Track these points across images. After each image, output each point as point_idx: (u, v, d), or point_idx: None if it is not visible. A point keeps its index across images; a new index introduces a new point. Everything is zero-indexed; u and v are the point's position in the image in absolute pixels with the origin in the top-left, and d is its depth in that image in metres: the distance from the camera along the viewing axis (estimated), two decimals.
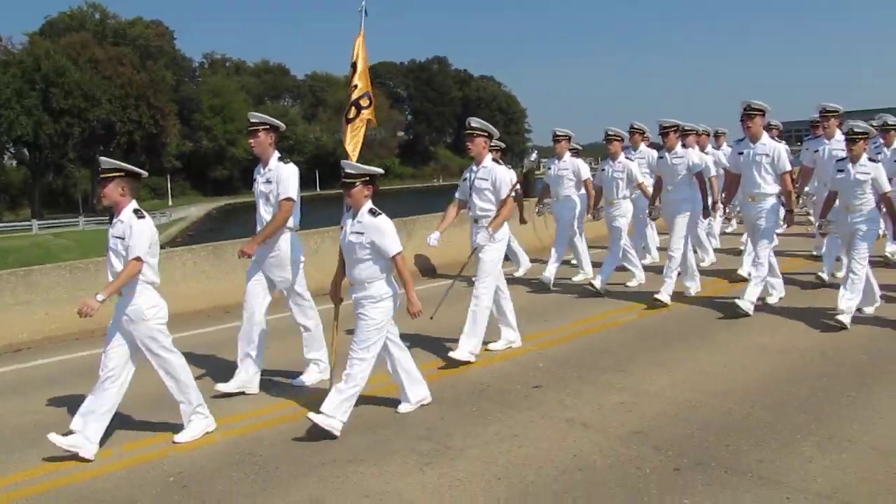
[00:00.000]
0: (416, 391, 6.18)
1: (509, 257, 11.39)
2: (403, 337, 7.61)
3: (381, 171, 6.04)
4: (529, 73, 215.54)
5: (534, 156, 9.90)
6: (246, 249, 6.58)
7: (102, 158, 5.80)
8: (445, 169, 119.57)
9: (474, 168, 7.65)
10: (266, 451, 5.52)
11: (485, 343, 7.52)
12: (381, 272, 5.77)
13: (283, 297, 7.06)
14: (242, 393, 6.68)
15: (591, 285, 10.08)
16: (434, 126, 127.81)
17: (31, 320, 9.07)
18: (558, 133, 11.07)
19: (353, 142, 7.10)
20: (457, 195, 7.89)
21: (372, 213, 5.74)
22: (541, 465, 4.99)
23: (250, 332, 6.73)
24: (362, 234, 5.70)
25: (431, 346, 7.92)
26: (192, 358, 7.16)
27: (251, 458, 5.39)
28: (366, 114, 7.23)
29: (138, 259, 5.44)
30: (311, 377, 6.97)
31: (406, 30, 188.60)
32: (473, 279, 7.57)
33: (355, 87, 7.24)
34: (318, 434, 5.56)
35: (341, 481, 4.94)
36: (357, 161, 6.49)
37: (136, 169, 5.78)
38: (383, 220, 5.73)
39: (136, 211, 5.62)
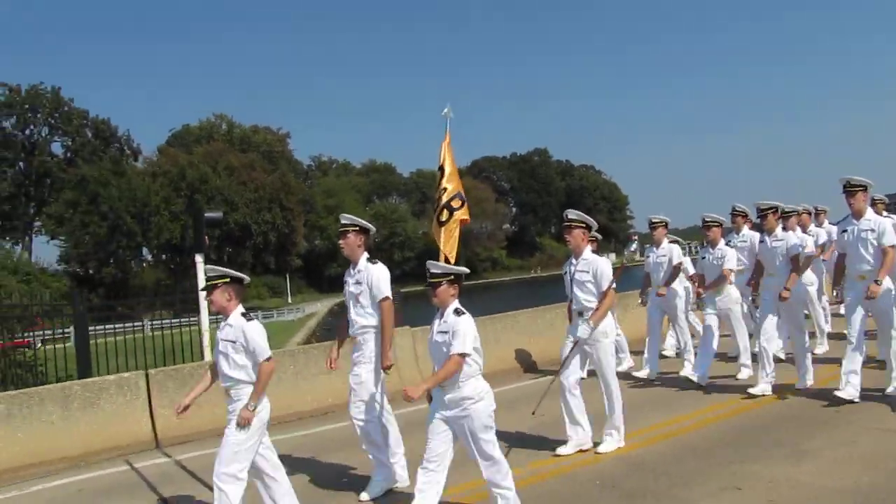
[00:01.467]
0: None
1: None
2: (506, 434, 7.62)
3: (466, 270, 6.02)
4: (629, 159, 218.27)
5: (633, 246, 9.75)
6: (387, 364, 6.59)
7: (208, 267, 5.98)
8: (552, 259, 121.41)
9: (574, 261, 7.52)
10: None
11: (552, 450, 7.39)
12: (473, 372, 5.61)
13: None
14: (391, 491, 6.64)
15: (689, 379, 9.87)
16: (539, 217, 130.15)
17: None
18: (654, 220, 10.88)
19: (449, 243, 7.05)
20: (567, 292, 7.68)
21: (457, 312, 5.66)
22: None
23: (368, 432, 6.67)
24: (447, 332, 5.60)
25: (534, 443, 7.75)
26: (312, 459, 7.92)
27: None
28: (458, 214, 7.17)
29: (269, 359, 5.66)
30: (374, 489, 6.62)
31: (506, 123, 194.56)
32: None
33: (444, 189, 7.22)
34: None
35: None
36: (459, 258, 6.69)
37: (240, 275, 5.91)
38: (465, 320, 5.62)
39: (243, 314, 5.75)
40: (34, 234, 79.85)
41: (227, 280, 5.76)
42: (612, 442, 7.36)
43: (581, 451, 7.30)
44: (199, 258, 12.15)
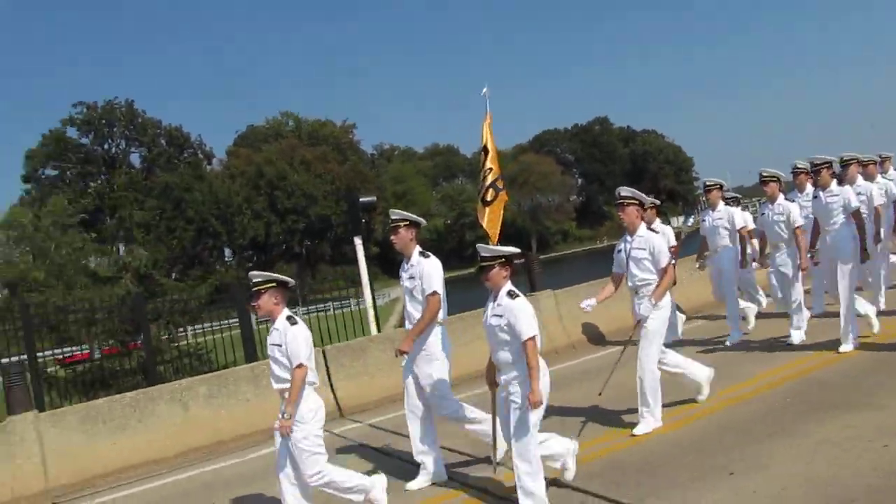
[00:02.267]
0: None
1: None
2: (577, 410, 7.98)
3: (517, 250, 5.95)
4: (690, 119, 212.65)
5: (690, 220, 8.54)
6: (403, 348, 6.54)
7: (253, 272, 5.96)
8: (620, 227, 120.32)
9: (629, 238, 7.42)
10: None
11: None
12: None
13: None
14: (434, 484, 6.64)
15: (788, 342, 9.56)
16: (605, 186, 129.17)
17: None
18: (708, 183, 10.79)
19: (491, 223, 7.10)
20: (613, 268, 7.63)
21: (510, 294, 5.64)
22: None
23: (416, 422, 6.68)
24: (501, 316, 5.61)
25: (604, 418, 7.76)
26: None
27: None
28: (503, 195, 7.20)
29: (301, 366, 5.63)
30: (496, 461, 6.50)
31: (566, 94, 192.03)
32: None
33: (490, 170, 7.26)
34: None
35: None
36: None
37: (287, 279, 6.02)
38: (521, 302, 5.60)
39: (289, 318, 5.80)
40: (120, 244, 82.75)
41: (274, 284, 5.84)
42: (647, 424, 7.13)
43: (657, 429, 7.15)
44: (357, 241, 13.19)
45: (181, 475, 8.47)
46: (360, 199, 13.81)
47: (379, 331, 13.09)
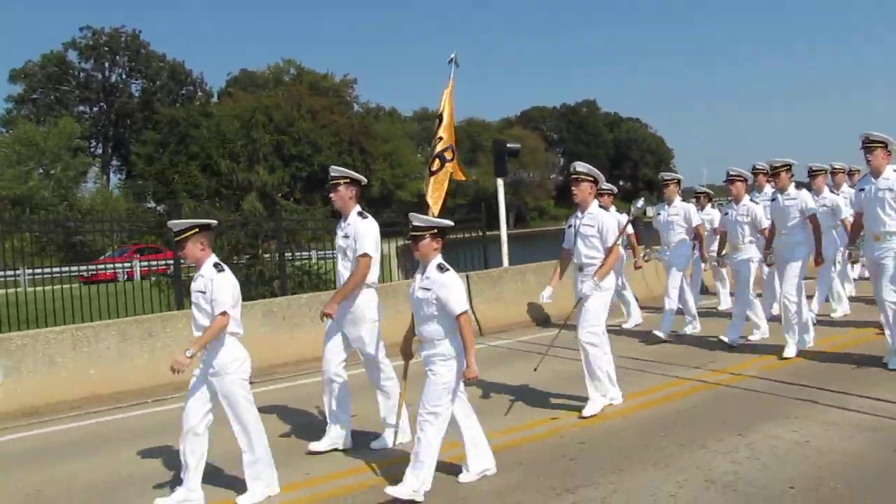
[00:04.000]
0: (479, 463, 5.62)
1: (623, 306, 11.33)
2: (511, 389, 7.99)
3: (450, 223, 5.71)
4: (672, 113, 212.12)
5: (640, 202, 8.55)
6: (327, 311, 6.27)
7: (172, 222, 5.65)
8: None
9: (579, 214, 7.23)
10: None
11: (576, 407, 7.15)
12: (451, 330, 5.32)
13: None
14: (336, 450, 6.47)
15: (720, 339, 9.49)
16: None
17: None
18: (666, 177, 10.62)
19: (435, 194, 6.82)
20: (563, 244, 7.41)
21: (440, 268, 5.36)
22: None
23: (332, 389, 6.47)
24: (429, 290, 5.33)
25: (538, 399, 7.66)
26: (284, 411, 7.81)
27: None
28: (449, 167, 6.97)
29: (224, 313, 5.35)
30: (389, 440, 6.50)
31: (557, 75, 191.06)
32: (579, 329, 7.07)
33: (440, 139, 7.04)
34: None
35: None
36: (438, 212, 6.61)
37: (209, 221, 5.73)
38: (451, 277, 5.34)
39: (216, 265, 5.51)
40: (112, 174, 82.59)
41: (196, 230, 5.51)
42: (594, 405, 7.07)
43: (610, 404, 7.17)
44: (499, 181, 15.31)
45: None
46: (507, 145, 15.25)
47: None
